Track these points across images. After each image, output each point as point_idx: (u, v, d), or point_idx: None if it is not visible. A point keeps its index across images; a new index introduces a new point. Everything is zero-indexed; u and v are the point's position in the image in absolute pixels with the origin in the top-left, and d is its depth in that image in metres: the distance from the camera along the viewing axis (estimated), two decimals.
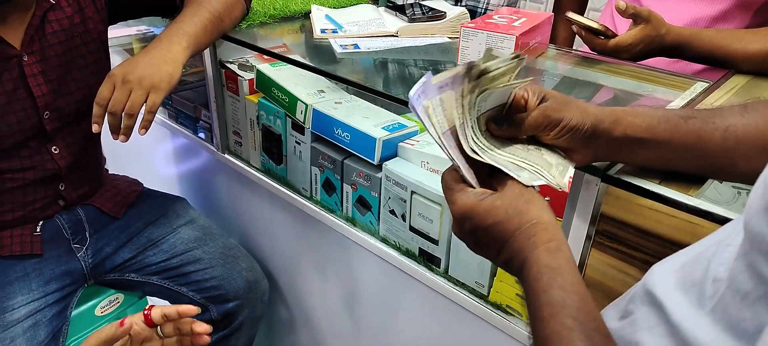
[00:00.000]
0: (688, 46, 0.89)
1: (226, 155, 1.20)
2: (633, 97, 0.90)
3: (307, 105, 0.96)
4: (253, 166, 1.16)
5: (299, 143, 1.02)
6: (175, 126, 1.33)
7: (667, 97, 0.83)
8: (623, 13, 0.89)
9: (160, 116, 1.37)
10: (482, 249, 0.49)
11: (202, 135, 1.27)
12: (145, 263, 1.08)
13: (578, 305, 0.40)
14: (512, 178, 0.48)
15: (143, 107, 0.84)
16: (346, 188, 0.96)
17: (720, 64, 0.91)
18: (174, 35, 0.88)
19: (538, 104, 0.51)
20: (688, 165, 0.55)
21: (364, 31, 1.08)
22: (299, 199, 1.05)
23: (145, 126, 0.85)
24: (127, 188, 1.15)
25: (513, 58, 0.48)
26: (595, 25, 0.94)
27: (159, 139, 1.41)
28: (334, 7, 1.26)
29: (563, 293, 0.40)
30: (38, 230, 0.99)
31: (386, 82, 0.94)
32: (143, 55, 0.85)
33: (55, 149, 0.96)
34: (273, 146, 1.08)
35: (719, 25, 1.03)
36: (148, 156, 1.49)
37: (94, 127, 0.84)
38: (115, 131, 0.85)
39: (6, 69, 0.87)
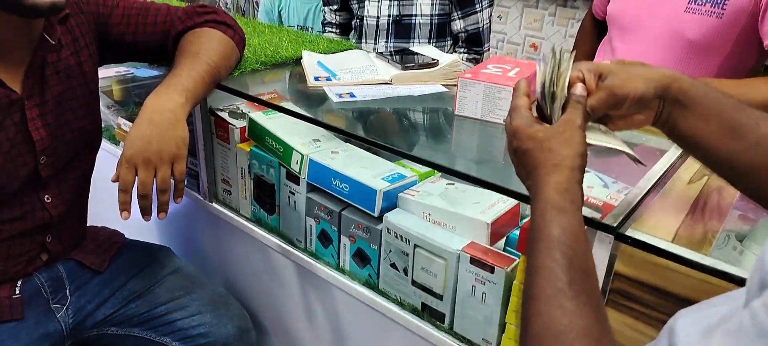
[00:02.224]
0: None
1: (214, 204, 1.16)
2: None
3: (303, 155, 0.94)
4: (243, 216, 1.12)
5: (293, 193, 0.99)
6: None
7: (661, 146, 0.85)
8: None
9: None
10: (519, 168, 0.55)
11: (186, 183, 1.23)
12: (128, 315, 1.02)
13: (571, 244, 0.44)
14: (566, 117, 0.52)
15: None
16: (344, 239, 0.94)
17: None
18: (173, 92, 0.85)
19: (598, 82, 0.54)
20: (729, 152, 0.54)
21: (358, 78, 1.07)
22: (292, 250, 1.02)
23: (180, 195, 0.86)
24: (109, 240, 1.10)
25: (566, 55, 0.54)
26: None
27: None
28: (324, 53, 1.25)
29: (561, 231, 0.45)
30: (18, 291, 0.93)
31: (384, 132, 0.93)
32: (148, 126, 0.82)
33: (47, 198, 0.92)
34: (265, 196, 1.05)
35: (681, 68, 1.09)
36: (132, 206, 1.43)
37: (123, 215, 0.82)
38: (148, 212, 0.84)
39: (8, 115, 0.83)
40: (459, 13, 1.51)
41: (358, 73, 1.09)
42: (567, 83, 0.54)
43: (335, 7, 1.68)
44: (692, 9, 1.05)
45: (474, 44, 1.55)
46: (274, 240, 1.05)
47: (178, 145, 0.83)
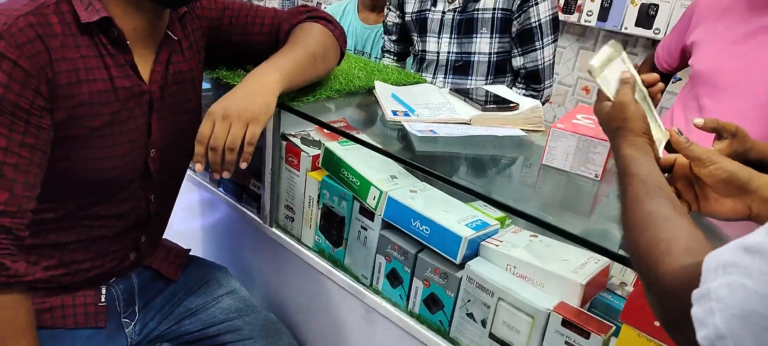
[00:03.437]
0: None
1: (275, 229, 1.14)
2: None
3: (381, 192, 0.92)
4: (305, 245, 1.10)
5: (365, 229, 0.97)
6: (218, 192, 1.27)
7: None
8: (703, 127, 0.86)
9: (200, 178, 1.32)
10: (606, 131, 0.71)
11: (247, 206, 1.21)
12: (181, 331, 1.01)
13: (646, 174, 0.59)
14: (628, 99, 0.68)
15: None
16: (417, 282, 0.90)
17: None
18: (267, 67, 0.89)
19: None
20: None
21: (436, 116, 1.05)
22: (357, 285, 0.99)
23: (247, 159, 0.84)
24: (177, 251, 1.10)
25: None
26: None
27: (202, 203, 1.36)
28: (395, 84, 1.24)
29: (638, 168, 0.60)
30: (103, 299, 0.93)
31: (468, 174, 0.91)
32: (239, 89, 0.85)
33: (152, 197, 0.93)
34: (333, 228, 1.03)
35: None
36: (190, 220, 1.42)
37: (197, 167, 0.84)
38: (217, 169, 0.84)
39: (138, 103, 0.85)
40: (519, 49, 1.48)
41: (435, 110, 1.07)
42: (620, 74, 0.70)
43: (394, 37, 1.70)
44: None
45: (533, 81, 1.52)
46: (338, 274, 1.02)
47: (259, 109, 0.84)
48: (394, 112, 1.04)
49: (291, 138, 1.08)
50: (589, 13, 2.12)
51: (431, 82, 1.56)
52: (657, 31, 2.00)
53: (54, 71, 0.73)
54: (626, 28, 2.06)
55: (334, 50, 1.05)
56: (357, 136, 0.95)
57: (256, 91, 0.85)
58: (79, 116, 0.78)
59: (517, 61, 1.50)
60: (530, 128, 1.06)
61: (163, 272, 1.01)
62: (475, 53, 1.51)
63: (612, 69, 0.69)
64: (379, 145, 0.93)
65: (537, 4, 1.42)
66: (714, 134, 0.90)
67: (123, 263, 0.95)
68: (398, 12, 1.65)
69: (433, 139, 0.96)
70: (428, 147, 0.95)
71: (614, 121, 0.67)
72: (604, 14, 2.08)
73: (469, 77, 1.54)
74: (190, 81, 0.95)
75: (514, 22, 1.45)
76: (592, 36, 2.29)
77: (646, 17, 2.00)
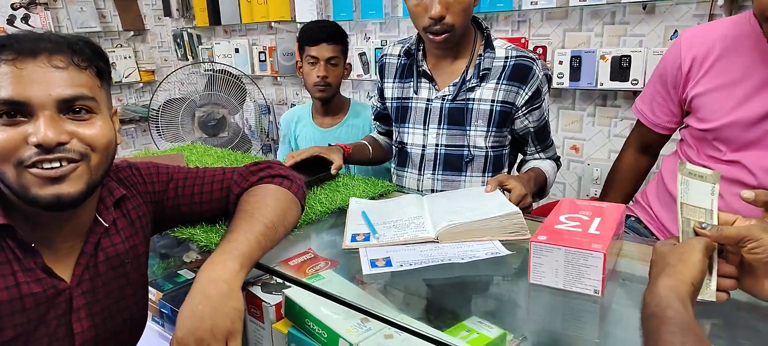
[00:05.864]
0: None
1: None
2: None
3: (351, 345, 0.79)
4: None
5: None
6: None
7: None
8: (755, 202, 0.75)
9: (157, 328, 1.19)
10: (652, 269, 0.66)
11: None
12: None
13: (684, 324, 0.54)
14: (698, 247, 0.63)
15: None
16: None
17: None
18: (228, 259, 0.79)
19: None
20: None
21: (401, 235, 0.94)
22: None
23: None
24: None
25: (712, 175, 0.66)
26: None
27: None
28: (371, 198, 1.15)
29: (676, 313, 0.56)
30: None
31: (440, 308, 0.78)
32: (202, 299, 0.75)
33: None
34: None
35: None
36: None
37: None
38: None
39: (52, 306, 0.75)
40: (538, 146, 1.36)
41: (401, 229, 0.96)
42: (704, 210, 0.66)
43: (382, 129, 1.50)
44: None
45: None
46: None
47: (232, 320, 0.76)
48: (353, 237, 0.94)
49: (250, 287, 0.97)
50: (560, 76, 2.06)
51: (418, 179, 1.38)
52: (635, 82, 1.93)
53: None
54: (602, 84, 2.00)
55: (294, 209, 0.98)
56: (314, 286, 0.84)
57: (224, 297, 0.76)
58: None
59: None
60: (511, 238, 0.93)
61: None
62: (469, 147, 1.30)
63: (699, 187, 0.66)
64: (334, 289, 0.81)
65: (544, 100, 1.30)
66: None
67: None
68: (380, 97, 1.45)
69: (388, 272, 0.84)
70: (385, 283, 0.83)
71: (671, 257, 0.64)
72: (575, 74, 2.03)
73: (464, 174, 1.33)
74: (132, 260, 0.86)
75: (524, 119, 1.28)
76: (569, 96, 2.23)
77: (619, 70, 1.95)
